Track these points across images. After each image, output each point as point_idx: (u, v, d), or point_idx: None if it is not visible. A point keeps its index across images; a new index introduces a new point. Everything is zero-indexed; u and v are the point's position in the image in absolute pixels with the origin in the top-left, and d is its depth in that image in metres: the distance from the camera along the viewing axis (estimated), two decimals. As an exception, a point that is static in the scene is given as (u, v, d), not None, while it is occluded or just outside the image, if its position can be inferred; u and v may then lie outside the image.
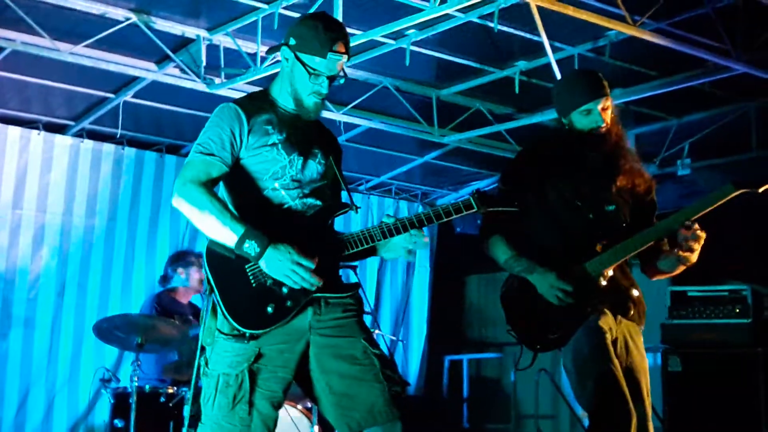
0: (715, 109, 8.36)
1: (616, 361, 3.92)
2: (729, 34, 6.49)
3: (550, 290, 3.99)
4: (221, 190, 3.48)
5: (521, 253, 4.10)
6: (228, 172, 3.39)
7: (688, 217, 3.90)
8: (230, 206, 3.41)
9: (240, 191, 3.46)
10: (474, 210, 3.39)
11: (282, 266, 3.25)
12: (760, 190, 3.85)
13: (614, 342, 4.00)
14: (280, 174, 3.42)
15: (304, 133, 3.53)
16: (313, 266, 3.28)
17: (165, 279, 7.36)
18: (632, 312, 4.10)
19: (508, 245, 4.12)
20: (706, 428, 7.27)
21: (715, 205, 3.90)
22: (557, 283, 3.98)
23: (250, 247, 3.24)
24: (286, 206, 3.43)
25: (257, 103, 3.51)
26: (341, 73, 3.49)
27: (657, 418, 7.44)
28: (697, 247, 3.91)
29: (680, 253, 3.90)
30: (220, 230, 3.27)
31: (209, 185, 3.34)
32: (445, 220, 3.42)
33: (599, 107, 4.04)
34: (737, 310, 7.72)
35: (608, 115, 4.07)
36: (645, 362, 4.09)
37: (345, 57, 3.46)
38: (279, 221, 3.38)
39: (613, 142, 4.09)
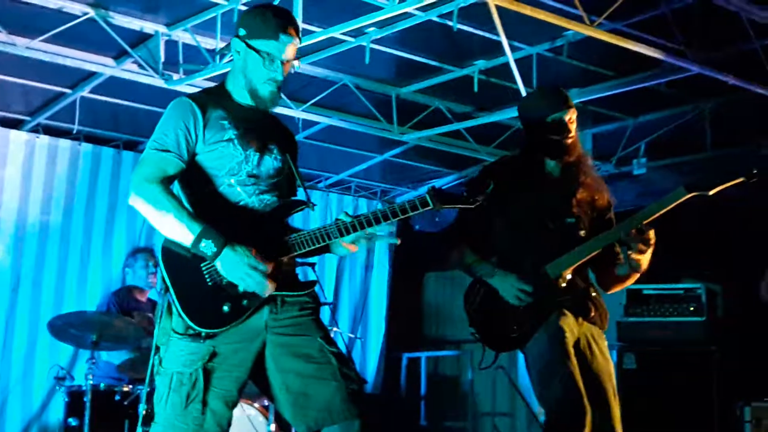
0: (670, 109, 8.46)
1: (574, 360, 3.99)
2: (685, 35, 6.56)
3: (511, 290, 4.13)
4: (176, 186, 3.44)
5: (483, 258, 4.27)
6: (184, 167, 3.37)
7: (641, 220, 3.96)
8: (186, 203, 3.39)
9: (196, 187, 3.42)
10: (430, 207, 3.39)
11: (237, 269, 3.23)
12: (711, 192, 3.89)
13: (576, 343, 4.08)
14: (236, 170, 3.40)
15: (261, 129, 3.51)
16: (268, 270, 3.27)
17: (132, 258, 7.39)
18: (593, 314, 4.19)
19: (470, 251, 4.29)
20: (661, 425, 7.35)
21: (668, 208, 3.95)
22: (517, 283, 4.12)
23: (207, 247, 3.22)
24: (242, 203, 3.40)
25: (213, 98, 3.48)
26: (294, 60, 3.49)
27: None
28: (647, 251, 3.98)
29: (631, 255, 3.97)
30: (176, 229, 3.25)
31: (166, 183, 3.31)
32: (402, 217, 3.41)
33: (566, 118, 4.16)
34: (691, 309, 7.82)
35: (574, 128, 4.20)
36: (610, 365, 4.19)
37: (296, 40, 3.46)
38: (235, 218, 3.36)
39: (575, 156, 4.23)
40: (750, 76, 7.09)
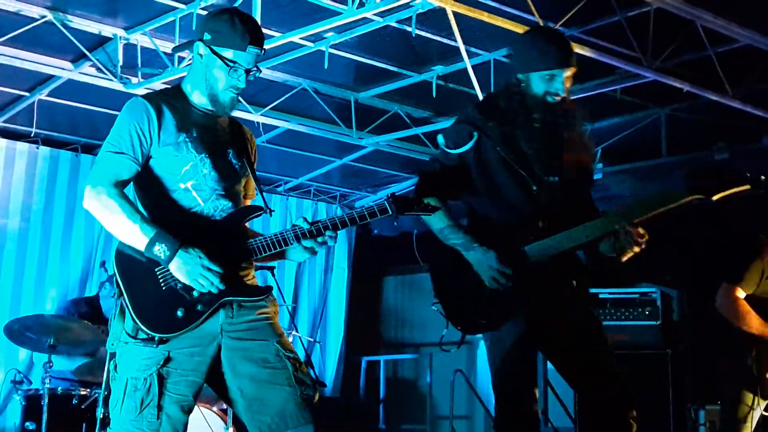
0: (626, 115, 8.56)
1: (534, 364, 3.90)
2: (640, 42, 6.65)
3: (488, 271, 3.77)
4: (131, 189, 3.42)
5: (459, 223, 3.88)
6: (139, 170, 3.34)
7: (639, 215, 3.73)
8: (140, 206, 3.37)
9: (150, 190, 3.39)
10: (389, 214, 3.41)
11: (191, 270, 3.22)
12: (714, 198, 3.68)
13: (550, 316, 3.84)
14: (191, 173, 3.37)
15: (217, 132, 3.49)
16: (221, 271, 3.26)
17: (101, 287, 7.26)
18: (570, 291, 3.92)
19: (445, 213, 3.87)
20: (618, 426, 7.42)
21: (667, 208, 3.72)
22: (497, 264, 3.77)
23: (161, 251, 3.20)
24: (196, 207, 3.38)
25: (168, 100, 3.45)
26: (255, 68, 3.47)
27: (569, 418, 7.58)
28: (630, 252, 3.75)
29: (619, 247, 3.76)
30: (130, 232, 3.23)
31: (120, 186, 3.30)
32: (360, 224, 3.43)
33: (564, 75, 3.84)
34: (647, 312, 7.92)
35: (568, 86, 3.88)
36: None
37: (262, 52, 3.45)
38: (189, 223, 3.35)
39: (564, 112, 3.89)
40: (704, 83, 7.21)
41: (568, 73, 3.84)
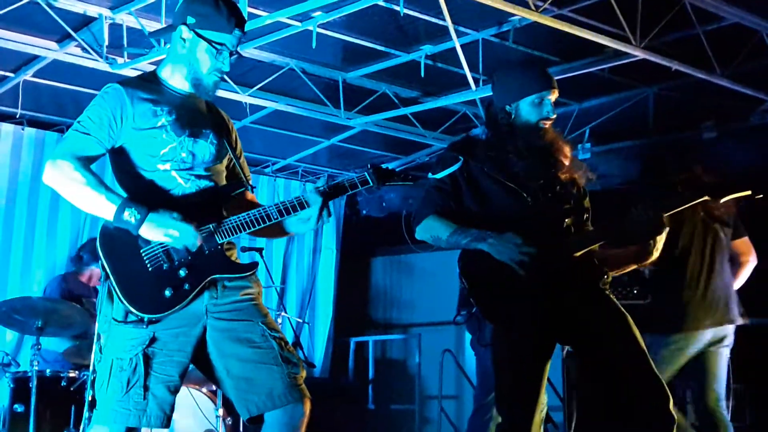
0: (614, 94, 8.56)
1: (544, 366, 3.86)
2: (628, 21, 6.64)
3: (511, 251, 3.67)
4: (110, 175, 3.43)
5: (463, 226, 3.82)
6: (104, 153, 3.36)
7: (668, 210, 3.85)
8: (119, 188, 3.37)
9: (131, 174, 3.40)
10: (370, 185, 3.44)
11: (163, 227, 3.23)
12: (721, 201, 3.90)
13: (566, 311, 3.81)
14: (171, 155, 3.38)
15: (195, 114, 3.50)
16: (193, 223, 3.27)
17: (79, 260, 7.23)
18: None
19: (447, 221, 3.85)
20: (605, 407, 7.45)
21: (685, 206, 3.88)
22: (517, 239, 3.68)
23: (131, 215, 3.20)
24: (178, 188, 3.40)
25: (146, 84, 3.46)
26: (236, 51, 3.48)
27: (557, 397, 7.60)
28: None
29: None
30: (97, 202, 3.23)
31: (84, 161, 3.29)
32: (343, 195, 3.50)
33: (551, 98, 3.93)
34: (635, 292, 7.94)
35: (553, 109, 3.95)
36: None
37: (243, 34, 3.48)
38: (171, 203, 3.34)
39: (553, 135, 3.97)
40: (693, 62, 7.21)
41: (553, 95, 3.93)
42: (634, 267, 4.23)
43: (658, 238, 3.98)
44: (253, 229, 3.42)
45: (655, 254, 4.05)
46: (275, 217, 3.42)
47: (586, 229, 3.96)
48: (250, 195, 3.63)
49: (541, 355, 3.84)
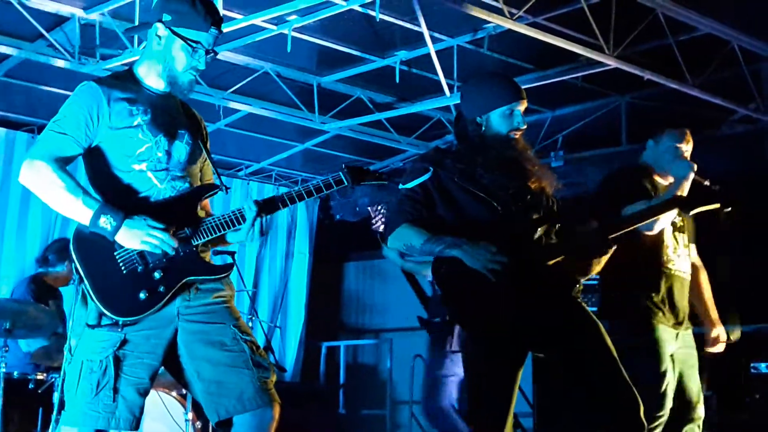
0: (587, 102, 8.61)
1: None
2: (602, 30, 6.68)
3: (484, 258, 3.64)
4: (84, 175, 3.40)
5: (437, 234, 3.77)
6: (81, 153, 3.32)
7: (628, 226, 3.91)
8: (92, 188, 3.34)
9: (106, 174, 3.37)
10: (344, 185, 3.44)
11: (138, 233, 3.21)
12: (690, 213, 3.96)
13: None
14: (146, 156, 3.35)
15: (170, 114, 3.48)
16: (169, 230, 3.25)
17: (45, 262, 7.16)
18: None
19: (420, 229, 3.79)
20: (574, 413, 7.47)
21: (655, 217, 4.02)
22: (492, 248, 3.65)
23: (107, 222, 3.18)
24: (153, 189, 3.37)
25: (121, 83, 3.43)
26: (212, 50, 3.45)
27: (527, 404, 7.62)
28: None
29: None
30: (73, 206, 3.21)
31: (61, 162, 3.26)
32: (317, 196, 3.48)
33: (521, 109, 3.93)
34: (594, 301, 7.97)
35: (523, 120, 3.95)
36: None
37: (219, 33, 3.46)
38: (144, 204, 3.33)
39: (522, 146, 3.96)
40: (665, 71, 7.26)
41: (522, 106, 3.94)
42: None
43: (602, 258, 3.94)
44: (229, 230, 3.41)
45: (596, 269, 4.01)
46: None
47: (552, 240, 3.95)
48: (204, 201, 3.60)
49: (513, 363, 3.84)
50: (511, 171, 3.91)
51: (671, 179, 4.75)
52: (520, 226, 3.85)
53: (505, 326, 3.74)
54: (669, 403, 4.57)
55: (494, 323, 3.75)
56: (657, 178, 4.87)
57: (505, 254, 3.67)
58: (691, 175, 4.61)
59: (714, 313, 5.02)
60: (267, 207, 3.45)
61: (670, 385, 4.59)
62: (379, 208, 4.72)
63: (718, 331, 4.98)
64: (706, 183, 4.66)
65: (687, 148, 4.88)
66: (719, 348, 4.95)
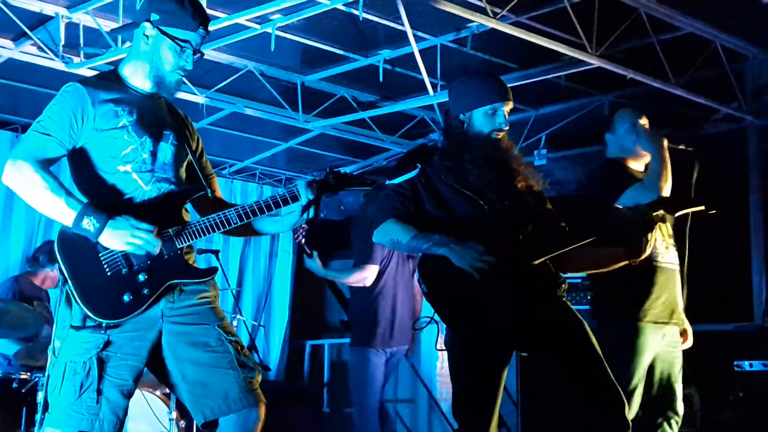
0: (571, 101, 8.63)
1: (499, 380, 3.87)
2: (585, 29, 6.70)
3: (470, 257, 3.62)
4: (68, 176, 3.39)
5: (423, 232, 3.77)
6: (65, 154, 3.31)
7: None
8: (76, 189, 3.33)
9: (90, 175, 3.35)
10: (330, 190, 3.46)
11: (123, 234, 3.20)
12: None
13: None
14: (131, 157, 3.34)
15: (156, 115, 3.46)
16: (153, 229, 3.24)
17: (35, 262, 7.13)
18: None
19: (406, 225, 3.81)
20: (558, 411, 7.50)
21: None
22: (479, 248, 3.64)
23: (90, 223, 3.17)
24: (138, 191, 3.36)
25: (107, 83, 3.41)
26: (199, 51, 3.45)
27: (511, 402, 7.65)
28: None
29: None
30: (56, 207, 3.19)
31: (45, 163, 3.24)
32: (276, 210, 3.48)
33: (505, 109, 3.94)
34: (588, 298, 7.99)
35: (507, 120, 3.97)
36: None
37: (207, 33, 3.46)
38: (129, 205, 3.32)
39: (507, 146, 3.98)
40: (648, 71, 7.29)
41: (507, 107, 3.94)
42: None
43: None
44: (216, 233, 3.41)
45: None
46: (234, 221, 3.40)
47: (541, 238, 3.93)
48: (218, 194, 3.62)
49: (499, 361, 3.85)
50: (498, 170, 3.91)
51: (646, 157, 4.75)
52: (506, 224, 3.85)
53: (490, 326, 3.76)
54: (636, 406, 4.59)
55: (480, 323, 3.77)
56: (631, 165, 4.82)
57: (492, 253, 3.66)
58: (665, 142, 4.62)
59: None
60: (252, 213, 3.44)
61: (638, 389, 4.60)
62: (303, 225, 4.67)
63: (686, 326, 4.97)
64: (681, 147, 4.69)
65: (644, 121, 4.85)
66: (688, 344, 4.95)
